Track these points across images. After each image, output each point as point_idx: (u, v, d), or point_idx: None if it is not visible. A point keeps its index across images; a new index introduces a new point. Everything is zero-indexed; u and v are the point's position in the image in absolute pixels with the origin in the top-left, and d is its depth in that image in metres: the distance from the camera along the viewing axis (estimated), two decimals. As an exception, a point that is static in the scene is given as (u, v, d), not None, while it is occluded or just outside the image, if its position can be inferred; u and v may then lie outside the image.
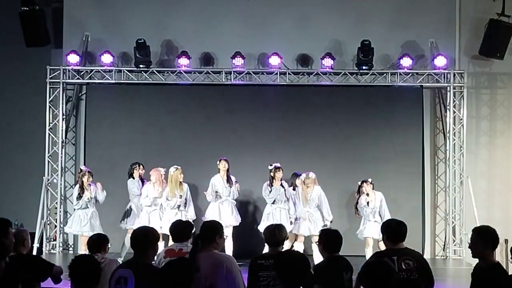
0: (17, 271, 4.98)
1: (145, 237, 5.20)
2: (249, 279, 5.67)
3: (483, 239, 5.47)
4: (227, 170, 11.26)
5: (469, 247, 5.46)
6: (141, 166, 11.28)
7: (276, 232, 5.84)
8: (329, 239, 5.77)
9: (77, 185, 11.07)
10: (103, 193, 11.00)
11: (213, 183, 11.24)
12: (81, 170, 11.22)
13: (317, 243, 5.88)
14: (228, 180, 11.26)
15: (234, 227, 11.25)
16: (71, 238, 12.62)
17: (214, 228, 5.54)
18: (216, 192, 11.19)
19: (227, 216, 11.08)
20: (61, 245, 12.49)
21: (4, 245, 4.86)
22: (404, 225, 5.82)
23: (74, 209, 11.13)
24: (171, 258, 5.62)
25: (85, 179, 10.96)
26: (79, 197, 10.91)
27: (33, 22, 12.53)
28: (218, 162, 11.31)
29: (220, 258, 5.33)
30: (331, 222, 11.16)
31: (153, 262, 5.99)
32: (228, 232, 11.00)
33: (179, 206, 10.95)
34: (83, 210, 10.95)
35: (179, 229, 6.07)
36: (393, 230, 5.81)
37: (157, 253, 6.02)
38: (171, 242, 6.36)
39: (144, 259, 5.14)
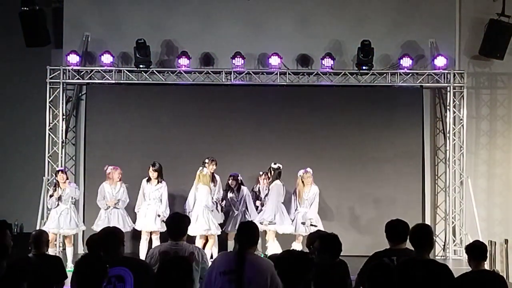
0: (17, 271, 4.98)
1: (116, 236, 5.33)
2: None
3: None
4: (214, 171, 11.45)
5: None
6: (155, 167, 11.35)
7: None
8: (329, 245, 5.75)
9: (54, 186, 11.33)
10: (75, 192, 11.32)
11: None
12: (57, 171, 11.43)
13: (315, 247, 5.87)
14: (213, 179, 11.38)
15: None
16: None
17: (255, 229, 5.49)
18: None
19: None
20: (60, 245, 12.47)
21: (5, 247, 4.88)
22: (405, 225, 5.80)
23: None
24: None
25: (58, 177, 11.18)
26: (50, 196, 11.26)
27: (33, 22, 12.53)
28: (210, 162, 11.35)
29: (264, 263, 5.24)
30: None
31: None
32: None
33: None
34: (54, 209, 11.19)
35: (176, 223, 6.04)
36: (394, 230, 5.80)
37: (151, 252, 6.03)
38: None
39: (121, 256, 5.22)
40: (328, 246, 5.70)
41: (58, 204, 11.18)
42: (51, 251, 10.90)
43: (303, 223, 11.09)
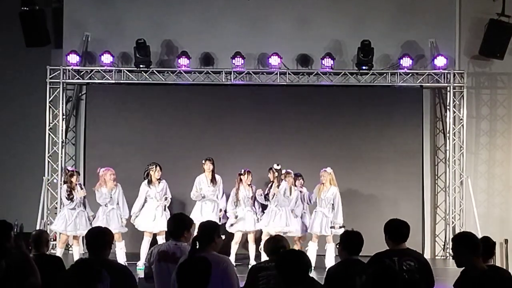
0: (17, 272, 4.98)
1: (104, 237, 5.22)
2: (248, 281, 5.63)
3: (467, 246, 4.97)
4: (212, 171, 11.35)
5: (453, 258, 5.07)
6: (157, 168, 11.25)
7: (275, 244, 5.80)
8: (349, 240, 5.74)
9: (65, 185, 11.11)
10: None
11: (198, 182, 11.36)
12: (69, 171, 11.28)
13: (337, 245, 5.85)
14: (213, 180, 11.33)
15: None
16: (71, 238, 12.57)
17: (212, 228, 5.49)
18: (201, 189, 11.32)
19: (208, 216, 11.07)
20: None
21: (4, 247, 4.88)
22: (405, 226, 5.80)
23: (62, 207, 11.27)
24: (165, 262, 5.64)
25: (73, 179, 11.06)
26: (69, 197, 11.00)
27: (33, 22, 12.54)
28: (203, 162, 11.33)
29: (216, 259, 5.26)
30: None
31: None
32: None
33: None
34: (70, 210, 11.05)
35: (178, 223, 6.00)
36: (395, 230, 5.79)
37: (151, 250, 6.02)
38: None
39: (106, 257, 5.18)
40: (347, 242, 5.73)
41: (74, 207, 11.08)
42: (59, 251, 10.97)
43: (333, 227, 10.95)
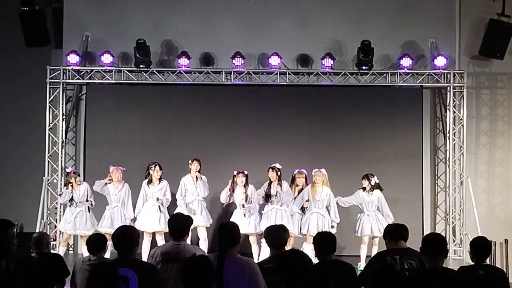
0: (17, 271, 4.99)
1: (131, 236, 5.24)
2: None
3: None
4: (198, 171, 11.29)
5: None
6: (157, 167, 11.24)
7: (281, 234, 5.78)
8: (321, 242, 5.73)
9: (66, 187, 11.30)
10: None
11: (183, 183, 11.32)
12: (68, 173, 11.39)
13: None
14: (198, 180, 11.30)
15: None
16: (71, 238, 12.60)
17: (236, 229, 5.45)
18: (186, 190, 11.30)
19: (196, 217, 11.06)
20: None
21: (3, 245, 4.88)
22: (403, 228, 5.89)
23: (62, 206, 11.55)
24: (171, 263, 5.63)
25: (72, 180, 11.14)
26: (64, 195, 11.23)
27: (33, 22, 12.54)
28: (190, 162, 11.30)
29: (242, 263, 5.21)
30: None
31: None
32: (200, 233, 11.10)
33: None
34: (70, 209, 11.17)
35: (178, 223, 6.00)
36: (393, 230, 5.88)
37: (153, 252, 6.02)
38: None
39: (133, 257, 5.18)
40: (319, 243, 5.71)
41: (71, 204, 11.14)
42: (62, 250, 11.07)
43: (332, 227, 10.92)
